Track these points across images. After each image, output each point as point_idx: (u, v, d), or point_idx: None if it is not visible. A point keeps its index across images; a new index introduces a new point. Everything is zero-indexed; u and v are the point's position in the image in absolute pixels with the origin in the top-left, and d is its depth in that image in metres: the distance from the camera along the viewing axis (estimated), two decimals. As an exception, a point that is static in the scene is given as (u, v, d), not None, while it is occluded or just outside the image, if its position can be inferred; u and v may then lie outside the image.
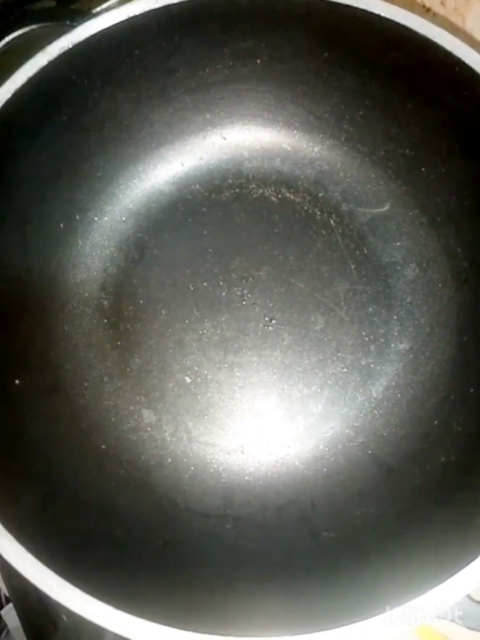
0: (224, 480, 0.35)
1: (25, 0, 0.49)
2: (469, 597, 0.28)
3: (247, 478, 0.35)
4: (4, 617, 0.46)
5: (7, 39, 0.34)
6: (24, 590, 0.40)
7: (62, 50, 0.32)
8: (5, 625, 0.46)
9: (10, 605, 0.46)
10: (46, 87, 0.32)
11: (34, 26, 0.35)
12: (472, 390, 0.34)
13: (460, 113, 0.34)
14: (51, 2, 0.50)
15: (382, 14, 0.33)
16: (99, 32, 0.32)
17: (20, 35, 0.34)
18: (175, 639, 0.25)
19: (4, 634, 0.46)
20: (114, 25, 0.32)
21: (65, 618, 0.40)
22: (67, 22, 0.35)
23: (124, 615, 0.25)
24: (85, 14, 0.36)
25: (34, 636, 0.40)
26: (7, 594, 0.47)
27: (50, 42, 0.32)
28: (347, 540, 0.32)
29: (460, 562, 0.26)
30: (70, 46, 0.32)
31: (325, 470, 0.35)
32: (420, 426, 0.35)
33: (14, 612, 0.45)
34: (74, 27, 0.32)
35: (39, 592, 0.40)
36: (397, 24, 0.33)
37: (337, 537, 0.32)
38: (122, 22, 0.32)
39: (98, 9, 0.49)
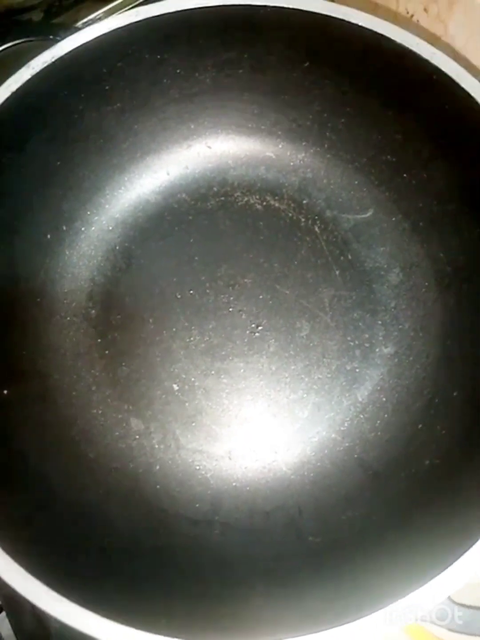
0: (212, 486, 0.36)
1: (12, 12, 0.50)
2: (450, 599, 0.28)
3: (234, 484, 0.36)
4: (-3, 625, 0.46)
5: (-9, 53, 0.34)
6: (15, 600, 0.40)
7: (46, 64, 0.32)
8: None
9: (2, 614, 0.46)
10: (30, 101, 0.33)
11: (18, 41, 0.35)
12: (455, 393, 0.34)
13: (440, 119, 0.35)
14: (39, 14, 0.51)
15: (360, 24, 0.33)
16: (82, 45, 0.32)
17: (3, 50, 0.35)
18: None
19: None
20: (97, 38, 0.33)
21: (57, 626, 0.40)
22: (51, 37, 0.35)
23: (114, 624, 0.25)
24: (69, 28, 0.37)
25: (27, 644, 0.40)
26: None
27: (33, 56, 0.33)
28: (334, 544, 0.32)
29: (442, 564, 0.26)
30: (54, 60, 0.32)
31: (312, 475, 0.36)
32: (406, 430, 0.35)
33: (6, 621, 0.45)
34: (57, 41, 0.33)
35: (30, 601, 0.40)
36: (375, 33, 0.33)
37: (324, 541, 0.32)
38: (104, 34, 0.33)
39: (81, 22, 0.50)
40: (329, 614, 0.26)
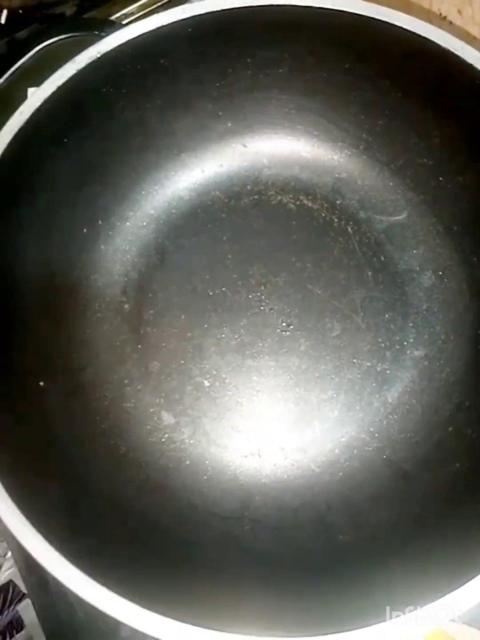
0: (241, 482, 0.36)
1: (44, 5, 0.50)
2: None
3: (263, 481, 0.36)
4: (21, 612, 0.47)
5: (38, 47, 0.34)
6: (41, 587, 0.41)
7: (91, 60, 0.32)
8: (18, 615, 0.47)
9: (27, 601, 0.47)
10: (73, 96, 0.33)
11: (63, 36, 0.35)
12: (485, 398, 0.35)
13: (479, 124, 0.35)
14: (71, 8, 0.51)
15: (404, 26, 0.33)
16: (127, 42, 0.33)
17: (50, 44, 0.35)
18: (192, 635, 0.26)
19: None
20: (142, 35, 0.33)
21: (80, 614, 0.41)
22: (96, 32, 0.35)
23: (144, 611, 0.26)
24: (114, 24, 0.37)
25: (51, 631, 0.41)
26: (24, 591, 0.48)
27: (79, 51, 0.33)
28: (363, 543, 0.32)
29: (475, 567, 0.26)
30: (99, 56, 0.32)
31: (340, 474, 0.36)
32: (435, 432, 0.36)
33: (31, 607, 0.46)
34: (102, 37, 0.33)
35: (56, 588, 0.41)
36: (418, 36, 0.33)
37: (353, 540, 0.33)
38: (149, 32, 0.33)
39: (115, 16, 0.50)
40: (356, 613, 0.27)
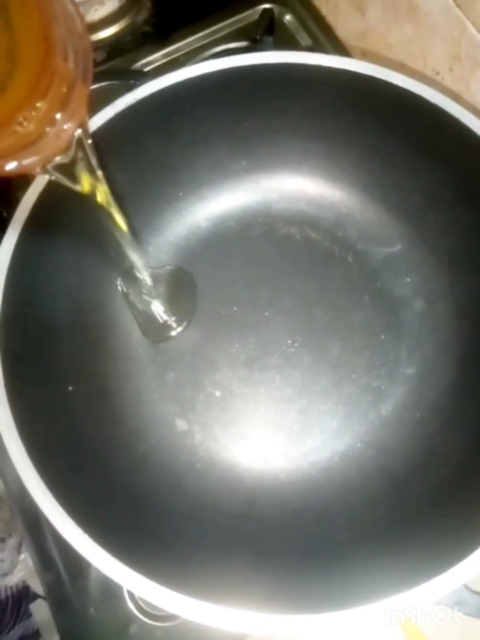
0: (247, 484, 0.39)
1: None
2: (466, 586, 0.32)
3: (268, 483, 0.39)
4: (33, 611, 0.49)
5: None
6: (57, 583, 0.43)
7: (127, 105, 0.37)
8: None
9: (39, 600, 0.50)
10: (109, 135, 0.38)
11: (104, 83, 0.40)
12: (470, 411, 0.38)
13: (465, 169, 0.39)
14: (102, 54, 0.57)
15: (399, 84, 0.38)
16: (160, 90, 0.37)
17: (92, 90, 0.40)
18: (207, 611, 0.29)
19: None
20: (172, 85, 0.37)
21: (92, 611, 0.44)
22: (131, 81, 0.40)
23: (166, 590, 0.29)
24: (146, 75, 0.42)
25: (64, 627, 0.43)
26: (35, 591, 0.51)
27: (115, 97, 0.38)
28: (358, 540, 0.35)
29: (457, 557, 0.30)
30: (135, 101, 0.37)
31: (338, 479, 0.39)
32: (425, 442, 0.39)
33: (43, 605, 0.48)
34: (136, 85, 0.38)
35: (70, 584, 0.43)
36: (411, 93, 0.38)
37: (349, 538, 0.36)
38: (179, 82, 0.38)
39: (140, 62, 0.56)
40: (353, 596, 0.30)
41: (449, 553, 0.30)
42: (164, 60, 0.56)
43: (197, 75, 0.37)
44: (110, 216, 0.30)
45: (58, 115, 0.21)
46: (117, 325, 0.42)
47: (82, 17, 0.22)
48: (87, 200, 0.38)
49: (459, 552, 0.30)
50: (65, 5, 0.21)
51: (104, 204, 0.29)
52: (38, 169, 0.23)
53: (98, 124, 0.37)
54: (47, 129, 0.21)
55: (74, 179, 0.26)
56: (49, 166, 0.23)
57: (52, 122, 0.21)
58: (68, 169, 0.25)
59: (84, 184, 0.26)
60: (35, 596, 0.50)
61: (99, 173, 0.26)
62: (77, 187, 0.26)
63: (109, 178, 0.40)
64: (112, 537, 0.31)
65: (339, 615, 0.29)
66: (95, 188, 0.27)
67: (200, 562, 0.33)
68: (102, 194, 0.28)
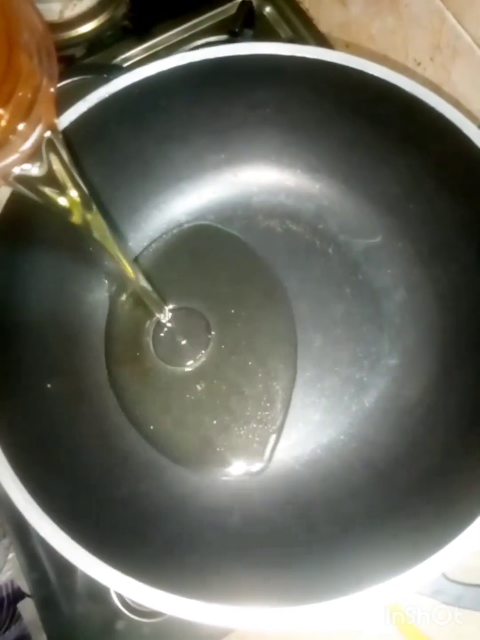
0: (231, 479, 0.39)
1: (57, 48, 0.55)
2: (445, 576, 0.32)
3: (252, 478, 0.39)
4: (20, 609, 0.49)
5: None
6: (42, 582, 0.43)
7: (100, 99, 0.37)
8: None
9: (26, 599, 0.50)
10: (83, 130, 0.37)
11: (76, 78, 0.40)
12: (452, 401, 0.38)
13: (443, 159, 0.39)
14: (81, 50, 0.56)
15: (375, 74, 0.38)
16: (133, 83, 0.37)
17: (64, 85, 0.39)
18: (191, 607, 0.29)
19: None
20: (145, 78, 0.37)
21: (79, 608, 0.44)
22: (105, 75, 0.40)
23: (148, 587, 0.29)
24: (120, 68, 0.41)
25: (50, 625, 0.43)
26: (23, 590, 0.51)
27: (89, 91, 0.37)
28: (341, 532, 0.36)
29: (436, 547, 0.30)
30: (107, 96, 0.37)
31: (321, 472, 0.39)
32: (407, 434, 0.39)
33: (30, 604, 0.48)
34: (109, 79, 0.37)
35: (56, 583, 0.43)
36: (388, 83, 0.38)
37: (333, 530, 0.36)
38: (152, 76, 0.37)
39: (120, 57, 0.55)
40: (337, 587, 0.30)
41: (430, 542, 0.30)
42: (144, 55, 0.56)
43: (169, 68, 0.37)
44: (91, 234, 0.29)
45: (21, 125, 0.20)
46: (96, 323, 0.41)
47: (42, 17, 0.21)
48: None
49: (439, 541, 0.30)
50: (25, 5, 0.20)
51: (88, 229, 0.28)
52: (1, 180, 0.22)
53: (70, 119, 0.36)
54: (10, 136, 0.20)
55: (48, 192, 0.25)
56: (10, 178, 0.23)
57: (14, 131, 0.20)
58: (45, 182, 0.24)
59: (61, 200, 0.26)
60: (23, 595, 0.49)
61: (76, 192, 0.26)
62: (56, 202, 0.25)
63: (83, 173, 0.40)
64: (91, 535, 0.31)
65: (323, 606, 0.29)
66: (74, 207, 0.27)
67: (184, 558, 0.33)
68: (81, 216, 0.27)
